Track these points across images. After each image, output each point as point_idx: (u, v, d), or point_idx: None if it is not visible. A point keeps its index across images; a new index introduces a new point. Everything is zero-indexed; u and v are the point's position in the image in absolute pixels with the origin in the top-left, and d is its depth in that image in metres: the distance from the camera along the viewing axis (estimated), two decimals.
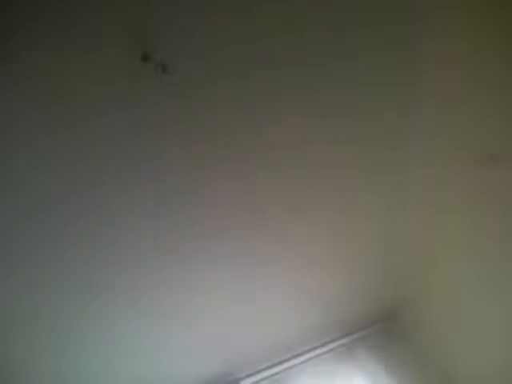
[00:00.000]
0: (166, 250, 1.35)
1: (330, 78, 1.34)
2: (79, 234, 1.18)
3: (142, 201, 1.23)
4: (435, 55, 1.44)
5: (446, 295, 1.72)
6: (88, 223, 1.18)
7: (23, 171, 1.03)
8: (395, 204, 1.78)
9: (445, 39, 1.40)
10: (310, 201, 1.55)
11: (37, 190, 1.07)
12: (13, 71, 0.92)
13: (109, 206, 1.18)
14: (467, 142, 1.41)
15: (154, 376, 1.60)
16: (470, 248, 1.52)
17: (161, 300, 1.44)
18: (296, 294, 1.77)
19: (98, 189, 1.14)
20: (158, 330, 1.50)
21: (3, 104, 0.94)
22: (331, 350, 1.98)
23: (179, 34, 1.05)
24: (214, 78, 1.15)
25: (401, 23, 1.37)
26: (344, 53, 1.32)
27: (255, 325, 1.73)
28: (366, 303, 2.04)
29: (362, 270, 1.91)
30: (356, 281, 1.93)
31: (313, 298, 1.83)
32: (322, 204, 1.59)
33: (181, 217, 1.32)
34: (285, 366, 1.89)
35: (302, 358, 1.93)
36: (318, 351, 1.96)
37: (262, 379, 1.84)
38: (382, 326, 2.10)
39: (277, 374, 1.86)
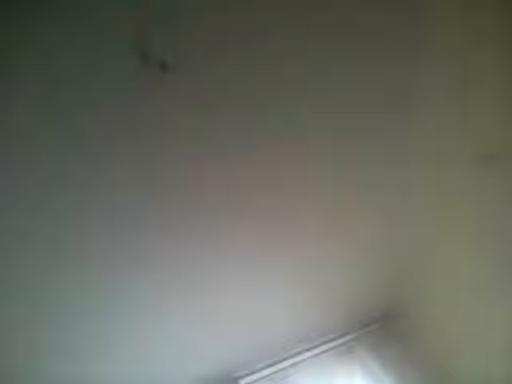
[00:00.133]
0: (166, 251, 1.35)
1: (330, 77, 1.33)
2: (76, 233, 1.19)
3: (141, 200, 1.23)
4: (435, 54, 1.43)
5: (445, 295, 1.72)
6: (82, 221, 1.18)
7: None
8: (394, 204, 1.78)
9: (445, 38, 1.40)
10: (308, 201, 1.55)
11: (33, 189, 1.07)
12: (13, 70, 0.92)
13: (105, 204, 1.18)
14: (467, 141, 1.41)
15: (154, 375, 1.60)
16: (469, 248, 1.52)
17: (160, 300, 1.44)
18: (295, 294, 1.77)
19: (93, 187, 1.14)
20: (157, 329, 1.50)
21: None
22: (330, 348, 1.98)
23: (179, 32, 1.04)
24: (214, 76, 1.15)
25: (401, 21, 1.37)
26: (344, 52, 1.31)
27: (254, 324, 1.74)
28: (366, 302, 2.04)
29: (361, 269, 1.91)
30: (355, 280, 1.93)
31: (312, 297, 1.83)
32: (320, 205, 1.59)
33: (179, 216, 1.32)
34: (284, 364, 1.89)
35: (301, 357, 1.93)
36: (318, 350, 1.97)
37: (261, 378, 1.84)
38: (381, 325, 2.10)
39: (276, 372, 1.87)
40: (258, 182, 1.39)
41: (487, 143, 1.32)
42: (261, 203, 1.45)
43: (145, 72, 1.04)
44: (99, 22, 0.96)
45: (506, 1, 1.19)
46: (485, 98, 1.31)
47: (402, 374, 1.82)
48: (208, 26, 1.07)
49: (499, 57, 1.23)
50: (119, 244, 1.26)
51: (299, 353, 1.94)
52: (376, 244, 1.86)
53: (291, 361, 1.91)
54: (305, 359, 1.93)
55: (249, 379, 1.82)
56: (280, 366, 1.89)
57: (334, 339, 2.02)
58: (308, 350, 1.96)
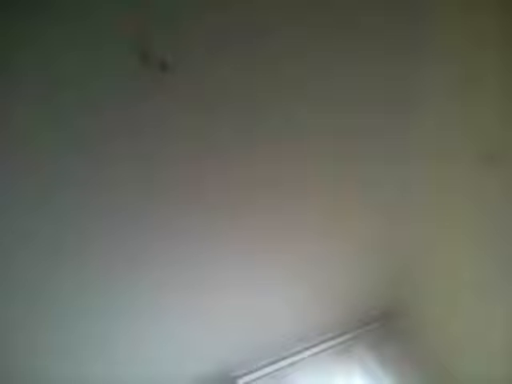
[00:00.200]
0: (165, 250, 1.36)
1: (330, 77, 1.33)
2: (75, 233, 1.19)
3: (141, 199, 1.23)
4: (435, 53, 1.43)
5: (445, 293, 1.73)
6: (81, 221, 1.18)
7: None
8: (394, 203, 1.78)
9: (445, 37, 1.40)
10: (308, 200, 1.55)
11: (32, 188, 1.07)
12: (13, 70, 0.92)
13: (104, 204, 1.18)
14: (468, 141, 1.41)
15: (152, 374, 1.61)
16: (469, 247, 1.53)
17: (159, 299, 1.44)
18: (295, 292, 1.77)
19: (92, 186, 1.14)
20: (155, 328, 1.50)
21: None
22: (330, 347, 1.99)
23: (179, 32, 1.04)
24: (214, 76, 1.15)
25: (401, 21, 1.36)
26: (344, 52, 1.31)
27: (253, 323, 1.74)
28: (365, 301, 2.05)
29: (361, 267, 1.92)
30: (355, 278, 1.93)
31: (312, 296, 1.83)
32: (320, 203, 1.59)
33: (179, 215, 1.32)
34: (283, 363, 1.90)
35: (300, 356, 1.94)
36: (317, 349, 1.97)
37: (260, 377, 1.85)
38: (380, 324, 2.11)
39: (275, 371, 1.87)
40: (257, 181, 1.39)
41: (487, 143, 1.33)
42: (261, 202, 1.45)
43: (145, 72, 1.04)
44: (99, 22, 0.96)
45: (506, 1, 1.19)
46: (485, 97, 1.31)
47: (402, 373, 1.83)
48: (208, 26, 1.07)
49: (499, 56, 1.23)
50: (118, 243, 1.26)
51: (298, 352, 1.95)
52: (376, 243, 1.87)
53: (290, 360, 1.92)
54: (304, 358, 1.94)
55: (247, 378, 1.83)
56: (279, 364, 1.89)
57: (333, 338, 2.02)
58: (307, 348, 1.97)
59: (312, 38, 1.23)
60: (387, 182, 1.71)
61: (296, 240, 1.63)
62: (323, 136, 1.43)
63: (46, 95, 0.98)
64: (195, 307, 1.55)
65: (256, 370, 1.85)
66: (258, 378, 1.84)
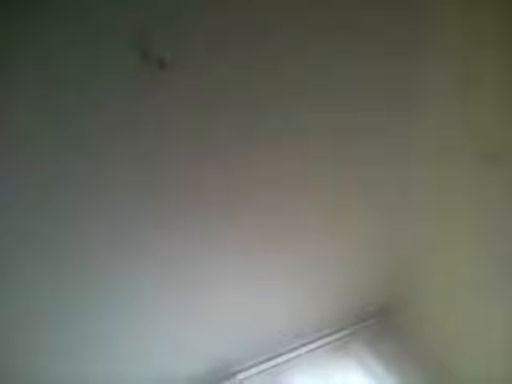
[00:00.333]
0: (163, 248, 1.36)
1: (330, 77, 1.34)
2: (75, 232, 1.19)
3: (140, 198, 1.23)
4: (435, 53, 1.43)
5: (443, 291, 1.74)
6: (81, 220, 1.18)
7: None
8: (394, 202, 1.79)
9: (445, 37, 1.40)
10: (307, 199, 1.56)
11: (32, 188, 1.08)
12: (13, 70, 0.92)
13: (103, 203, 1.19)
14: (468, 140, 1.41)
15: (150, 371, 1.62)
16: (469, 246, 1.54)
17: (158, 297, 1.45)
18: (293, 290, 1.78)
19: (92, 186, 1.15)
20: (154, 326, 1.51)
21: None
22: (327, 344, 2.00)
23: (178, 31, 1.04)
24: (213, 75, 1.15)
25: (401, 21, 1.36)
26: (344, 52, 1.31)
27: (251, 320, 1.75)
28: (363, 297, 2.06)
29: (359, 265, 1.92)
30: (354, 275, 1.94)
31: (309, 293, 1.85)
32: (319, 202, 1.60)
33: (178, 214, 1.32)
34: (280, 360, 1.91)
35: (297, 352, 1.95)
36: (314, 345, 1.98)
37: (257, 373, 1.86)
38: (377, 321, 2.12)
39: (272, 367, 1.89)
40: (257, 180, 1.40)
41: (488, 142, 1.33)
42: (260, 201, 1.45)
43: (144, 71, 1.04)
44: (99, 21, 0.95)
45: (505, 0, 1.19)
46: (485, 96, 1.31)
47: (399, 370, 1.84)
48: (208, 26, 1.07)
49: (499, 56, 1.23)
50: (117, 243, 1.27)
51: (295, 348, 1.96)
52: (375, 240, 1.87)
53: (287, 356, 1.93)
54: (301, 354, 1.95)
55: (245, 374, 1.84)
56: (276, 361, 1.90)
57: (330, 334, 2.03)
58: (304, 345, 1.98)
59: (312, 38, 1.23)
60: (387, 180, 1.71)
61: (294, 238, 1.63)
62: (323, 135, 1.43)
63: (46, 95, 0.98)
64: (193, 305, 1.55)
65: (254, 366, 1.86)
66: (256, 374, 1.85)
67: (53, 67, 0.95)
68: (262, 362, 1.89)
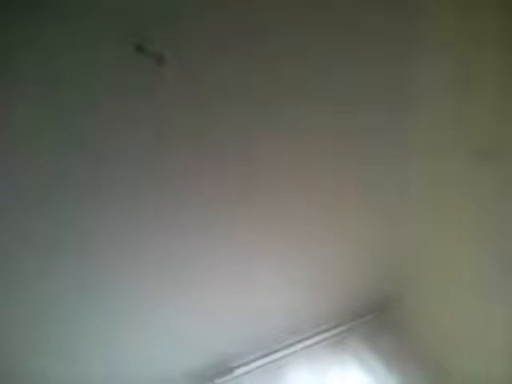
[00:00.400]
0: (161, 244, 1.37)
1: (330, 77, 1.34)
2: (72, 228, 1.20)
3: (138, 193, 1.23)
4: (432, 51, 1.43)
5: (440, 288, 1.75)
6: (79, 216, 1.19)
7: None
8: (391, 199, 1.80)
9: (441, 35, 1.39)
10: (305, 195, 1.56)
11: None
12: (13, 70, 0.92)
13: (102, 199, 1.19)
14: (463, 138, 1.41)
15: (149, 365, 1.63)
16: (464, 242, 1.55)
17: (155, 291, 1.46)
18: (290, 285, 1.79)
19: (91, 182, 1.15)
20: (153, 320, 1.52)
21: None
22: (324, 339, 2.01)
23: (178, 30, 1.04)
24: (213, 75, 1.15)
25: (398, 21, 1.36)
26: (344, 52, 1.31)
27: (249, 314, 1.76)
28: (360, 293, 2.07)
29: (356, 261, 1.93)
30: (351, 272, 1.95)
31: (307, 289, 1.86)
32: (316, 197, 1.60)
33: (183, 218, 1.34)
34: (278, 355, 1.93)
35: (295, 348, 1.96)
36: (311, 341, 2.00)
37: (255, 368, 1.87)
38: (374, 317, 2.13)
39: (270, 363, 1.90)
40: (257, 177, 1.40)
41: (483, 139, 1.33)
42: (259, 197, 1.46)
43: (143, 70, 1.04)
44: (99, 21, 0.95)
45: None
46: (481, 94, 1.30)
47: (396, 366, 1.86)
48: (208, 25, 1.07)
49: (496, 54, 1.22)
50: (116, 239, 1.27)
51: (293, 344, 1.97)
52: (372, 237, 1.88)
53: (285, 351, 1.94)
54: (298, 350, 1.96)
55: (243, 370, 1.85)
56: (274, 356, 1.91)
57: (327, 330, 2.04)
58: (301, 340, 1.99)
59: (312, 38, 1.22)
60: (385, 179, 1.71)
61: (292, 234, 1.64)
62: (322, 134, 1.44)
63: (46, 95, 0.98)
64: (193, 300, 1.56)
65: (252, 362, 1.88)
66: (254, 369, 1.86)
67: (52, 67, 0.95)
68: (260, 357, 1.90)
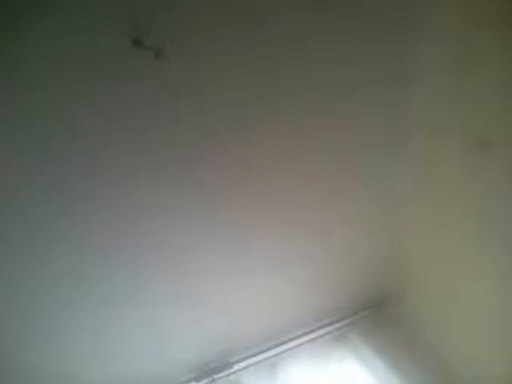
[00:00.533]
0: (162, 240, 1.37)
1: (330, 58, 1.34)
2: (65, 213, 1.18)
3: (139, 190, 1.24)
4: (432, 30, 1.41)
5: (442, 281, 1.73)
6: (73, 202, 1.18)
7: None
8: (394, 188, 1.78)
9: (441, 15, 1.38)
10: (306, 181, 1.56)
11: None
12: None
13: (92, 186, 1.19)
14: (460, 128, 1.40)
15: (146, 360, 1.61)
16: (463, 234, 1.53)
17: (153, 286, 1.45)
18: (290, 279, 1.78)
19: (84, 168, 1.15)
20: (150, 315, 1.51)
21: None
22: (325, 334, 2.00)
23: (174, 18, 1.04)
24: (209, 64, 1.15)
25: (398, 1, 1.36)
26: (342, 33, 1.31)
27: (248, 309, 1.75)
28: (361, 287, 2.06)
29: (356, 255, 1.92)
30: (351, 266, 1.94)
31: (307, 282, 1.84)
32: (317, 185, 1.60)
33: (178, 203, 1.32)
34: (278, 350, 1.91)
35: (295, 342, 1.94)
36: (312, 335, 1.98)
37: (254, 363, 1.85)
38: (375, 311, 2.12)
39: (270, 357, 1.88)
40: (254, 162, 1.40)
41: (479, 129, 1.32)
42: (256, 183, 1.46)
43: (141, 60, 1.04)
44: (96, 10, 0.96)
45: None
46: (483, 76, 1.28)
47: (397, 360, 1.84)
48: (207, 11, 1.07)
49: (498, 35, 1.21)
50: (109, 224, 1.27)
51: (293, 338, 1.95)
52: (371, 231, 1.87)
53: (285, 346, 1.92)
54: (299, 344, 1.94)
55: (242, 364, 1.83)
56: (274, 351, 1.90)
57: (328, 324, 2.03)
58: (302, 335, 1.97)
59: (312, 21, 1.22)
60: (381, 171, 1.70)
61: (291, 220, 1.62)
62: (321, 118, 1.43)
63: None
64: (189, 293, 1.54)
65: (251, 356, 1.85)
66: (253, 364, 1.84)
67: (52, 60, 0.97)
68: (259, 353, 1.88)
